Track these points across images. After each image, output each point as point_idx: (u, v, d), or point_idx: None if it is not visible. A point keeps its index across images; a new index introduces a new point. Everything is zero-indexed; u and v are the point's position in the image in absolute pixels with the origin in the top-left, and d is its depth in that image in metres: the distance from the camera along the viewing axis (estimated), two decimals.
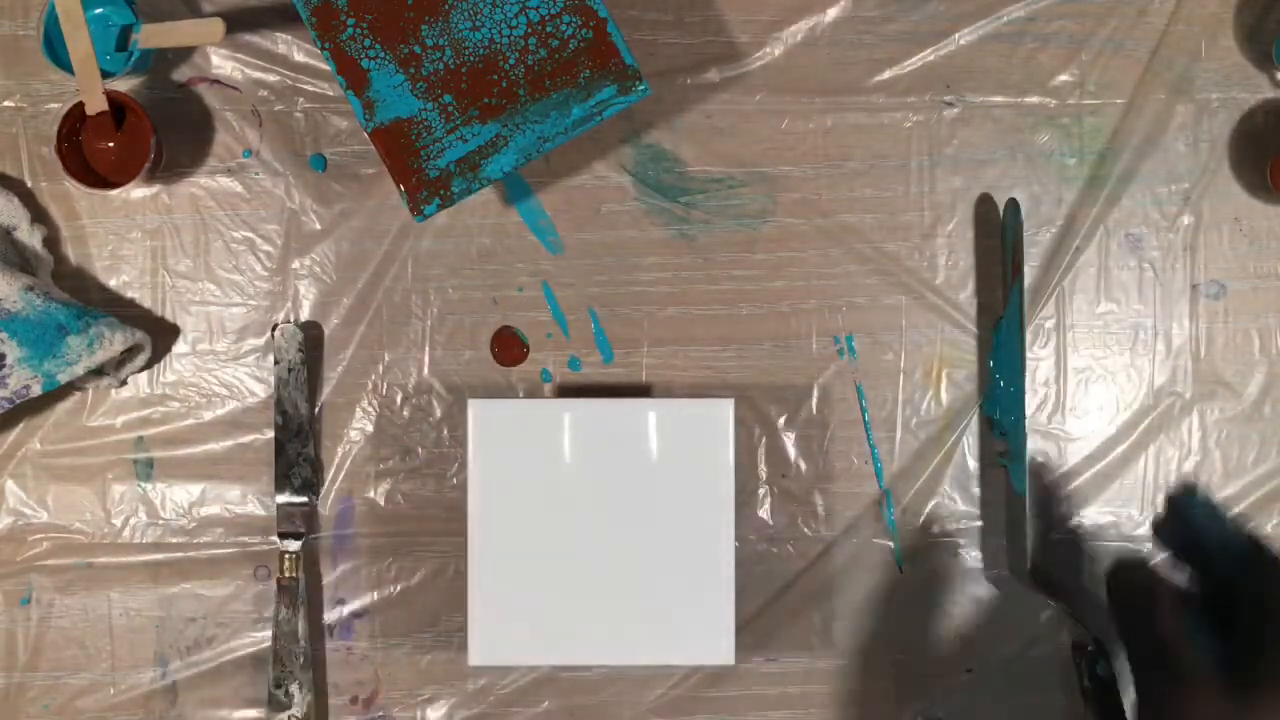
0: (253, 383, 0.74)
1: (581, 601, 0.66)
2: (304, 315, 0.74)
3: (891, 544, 0.74)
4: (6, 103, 0.73)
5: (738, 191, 0.74)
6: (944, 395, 0.74)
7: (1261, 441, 0.75)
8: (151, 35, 0.68)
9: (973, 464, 0.74)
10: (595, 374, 0.74)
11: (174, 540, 0.73)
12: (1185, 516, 0.58)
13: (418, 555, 0.73)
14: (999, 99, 0.75)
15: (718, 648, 0.66)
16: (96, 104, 0.68)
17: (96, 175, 0.70)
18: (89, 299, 0.73)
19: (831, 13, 0.74)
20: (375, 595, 0.73)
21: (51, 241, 0.73)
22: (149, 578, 0.73)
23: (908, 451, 0.74)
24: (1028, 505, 0.70)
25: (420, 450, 0.73)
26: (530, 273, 0.74)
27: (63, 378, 0.69)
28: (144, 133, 0.70)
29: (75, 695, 0.72)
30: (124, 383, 0.73)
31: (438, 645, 0.73)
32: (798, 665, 0.73)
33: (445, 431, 0.73)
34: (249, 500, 0.73)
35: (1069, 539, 0.74)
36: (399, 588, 0.73)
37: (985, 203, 0.75)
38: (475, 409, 0.67)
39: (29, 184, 0.73)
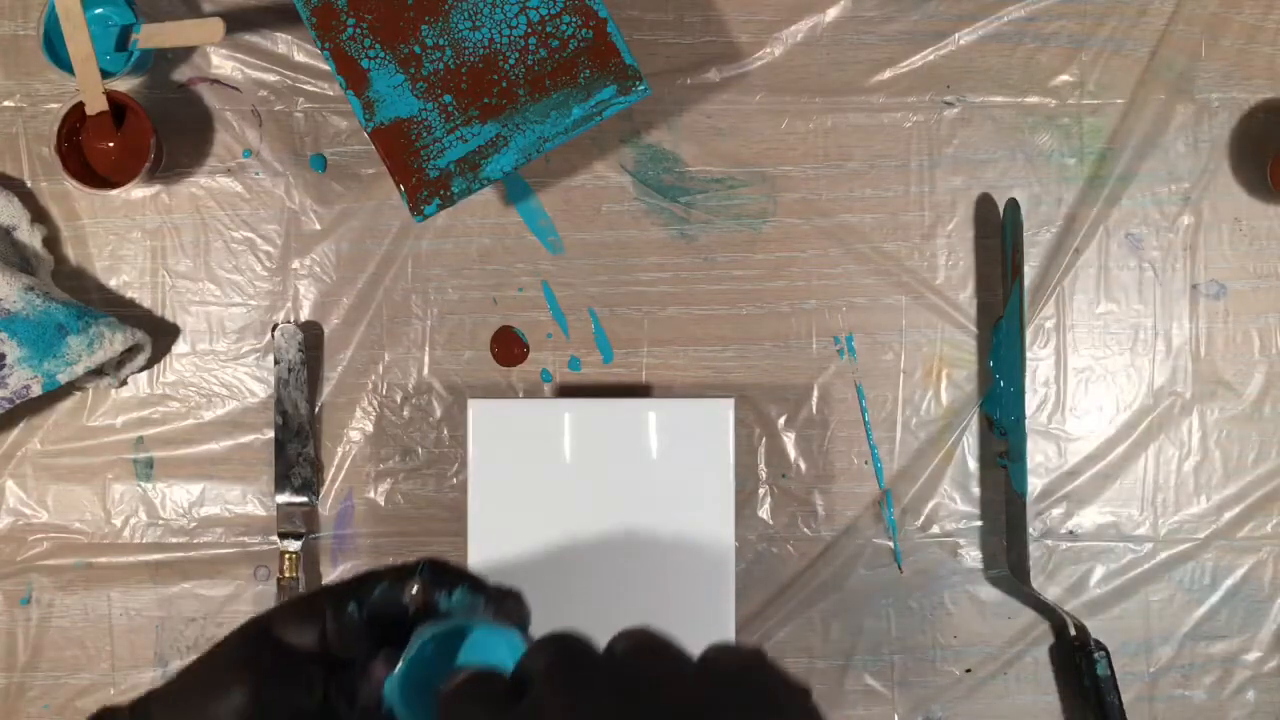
0: (253, 383, 0.74)
1: (581, 601, 0.66)
2: (304, 315, 0.74)
3: (891, 544, 0.74)
4: (6, 103, 0.73)
5: (738, 191, 0.74)
6: (944, 395, 0.74)
7: (1261, 441, 0.75)
8: (151, 35, 0.68)
9: (973, 464, 0.74)
10: (595, 374, 0.74)
11: (174, 540, 0.73)
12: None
13: (418, 555, 0.73)
14: (999, 99, 0.75)
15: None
16: (96, 104, 0.68)
17: (96, 175, 0.70)
18: (89, 299, 0.73)
19: (831, 13, 0.74)
20: None
21: (51, 241, 0.73)
22: (149, 578, 0.73)
23: (908, 451, 0.74)
24: (1027, 505, 0.70)
25: (420, 450, 0.73)
26: (530, 273, 0.74)
27: (63, 378, 0.69)
28: (144, 133, 0.70)
29: (75, 695, 0.72)
30: (124, 383, 0.73)
31: None
32: (798, 665, 0.73)
33: (445, 431, 0.73)
34: (249, 500, 0.73)
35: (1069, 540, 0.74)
36: None
37: (985, 203, 0.75)
38: (475, 409, 0.67)
39: (29, 184, 0.73)
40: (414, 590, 0.50)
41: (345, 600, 0.49)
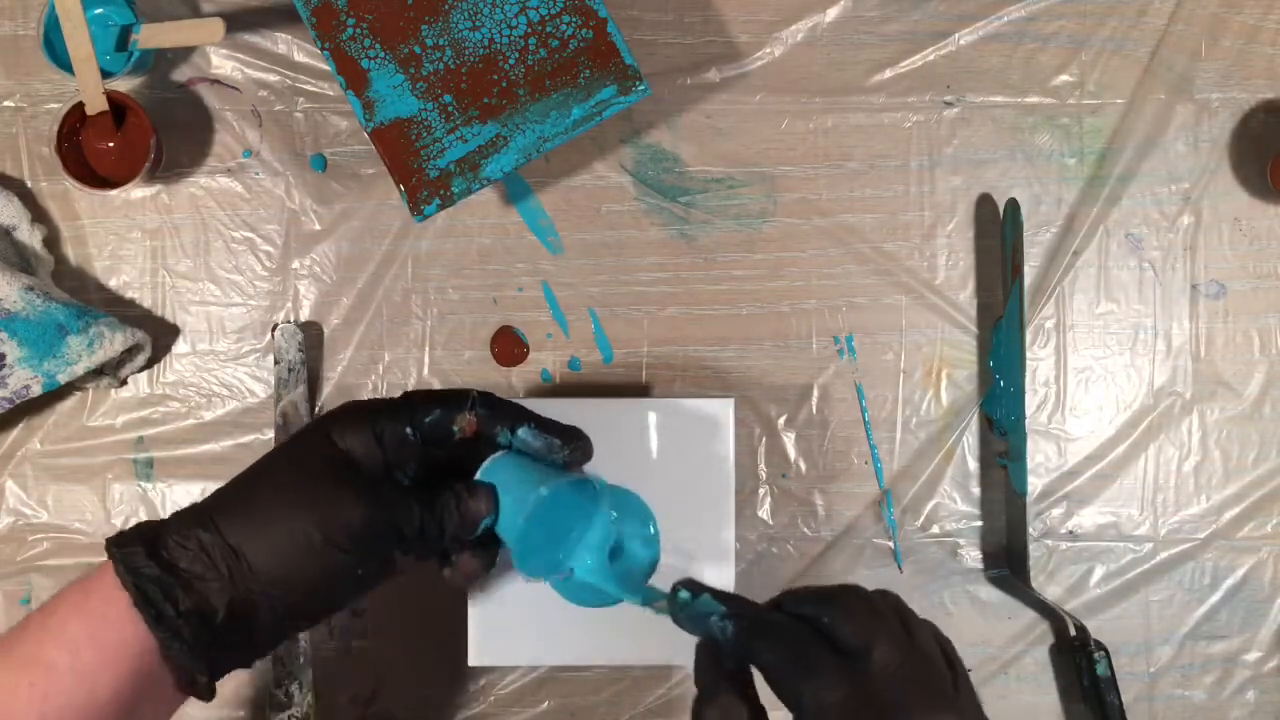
0: (253, 383, 0.74)
1: None
2: (304, 315, 0.74)
3: (891, 544, 0.74)
4: (6, 103, 0.73)
5: (738, 191, 0.74)
6: (944, 395, 0.74)
7: (1261, 441, 0.75)
8: (151, 35, 0.68)
9: (973, 464, 0.74)
10: (595, 374, 0.74)
11: None
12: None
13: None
14: (999, 99, 0.75)
15: None
16: (96, 104, 0.68)
17: (96, 175, 0.70)
18: (89, 299, 0.73)
19: (831, 13, 0.74)
20: (375, 594, 0.73)
21: (51, 241, 0.73)
22: None
23: (908, 451, 0.74)
24: (1027, 505, 0.70)
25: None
26: (530, 273, 0.74)
27: (63, 378, 0.69)
28: (144, 133, 0.70)
29: None
30: (124, 383, 0.73)
31: (438, 645, 0.73)
32: None
33: None
34: None
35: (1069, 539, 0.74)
36: (399, 587, 0.73)
37: (985, 203, 0.75)
38: None
39: (29, 184, 0.73)
40: (465, 420, 0.53)
41: (401, 422, 0.52)
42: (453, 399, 0.54)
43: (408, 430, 0.52)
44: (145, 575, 0.47)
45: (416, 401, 0.53)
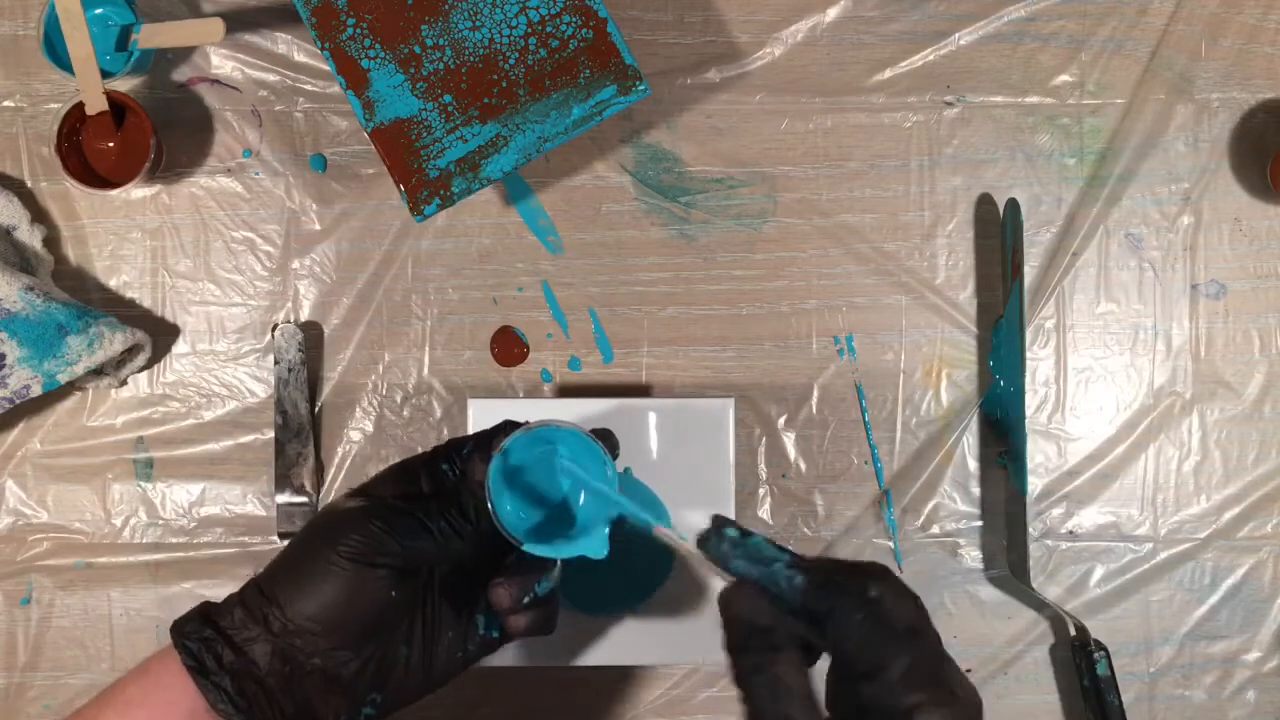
0: (253, 383, 0.74)
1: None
2: (304, 315, 0.74)
3: (891, 544, 0.74)
4: (6, 103, 0.73)
5: (738, 191, 0.74)
6: (944, 395, 0.74)
7: (1261, 441, 0.75)
8: (151, 35, 0.68)
9: (973, 464, 0.74)
10: (595, 374, 0.74)
11: (174, 540, 0.73)
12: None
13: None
14: (999, 99, 0.75)
15: (718, 646, 0.66)
16: (96, 104, 0.68)
17: (96, 175, 0.70)
18: (89, 299, 0.73)
19: (831, 13, 0.74)
20: None
21: (51, 241, 0.73)
22: (149, 578, 0.73)
23: (908, 451, 0.74)
24: (1027, 505, 0.70)
25: (420, 450, 0.73)
26: (530, 273, 0.74)
27: (63, 378, 0.69)
28: (144, 133, 0.70)
29: (75, 695, 0.72)
30: (124, 383, 0.73)
31: None
32: None
33: (445, 431, 0.73)
34: (249, 500, 0.73)
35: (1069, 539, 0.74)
36: None
37: (985, 203, 0.75)
38: (475, 409, 0.67)
39: (29, 184, 0.73)
40: (500, 445, 0.53)
41: (437, 463, 0.54)
42: (484, 434, 0.55)
43: (444, 468, 0.54)
44: (191, 634, 0.49)
45: (451, 442, 0.55)
